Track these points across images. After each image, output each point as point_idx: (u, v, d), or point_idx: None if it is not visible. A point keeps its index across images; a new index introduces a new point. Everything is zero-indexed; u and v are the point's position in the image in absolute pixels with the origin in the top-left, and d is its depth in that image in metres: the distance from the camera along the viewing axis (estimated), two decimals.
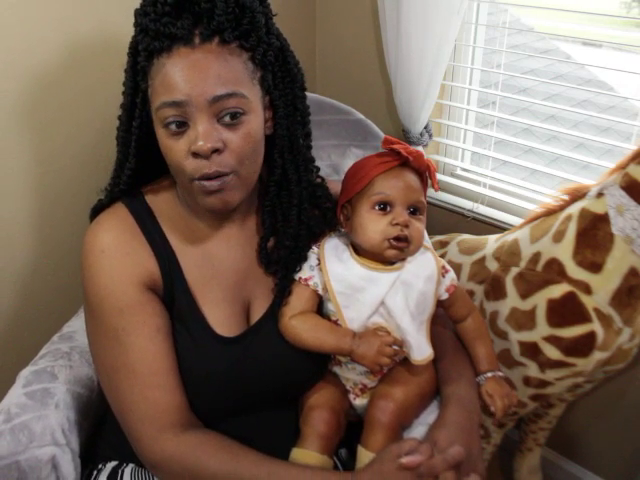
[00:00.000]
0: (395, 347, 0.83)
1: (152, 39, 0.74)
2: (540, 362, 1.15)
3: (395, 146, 0.85)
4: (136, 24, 0.77)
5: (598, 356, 1.12)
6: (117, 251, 0.82)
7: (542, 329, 1.14)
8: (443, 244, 1.43)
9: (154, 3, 0.74)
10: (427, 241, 1.19)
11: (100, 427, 0.98)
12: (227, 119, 0.75)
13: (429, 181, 0.89)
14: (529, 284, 1.16)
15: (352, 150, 1.40)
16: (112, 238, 0.83)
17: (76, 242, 0.90)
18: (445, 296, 0.92)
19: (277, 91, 0.83)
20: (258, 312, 0.89)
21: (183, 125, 0.76)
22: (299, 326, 0.86)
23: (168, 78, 0.74)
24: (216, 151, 0.75)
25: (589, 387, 1.28)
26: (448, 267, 0.93)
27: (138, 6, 0.77)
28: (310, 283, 0.88)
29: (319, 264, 0.89)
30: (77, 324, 1.08)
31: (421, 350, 0.86)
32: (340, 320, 0.87)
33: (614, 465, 1.54)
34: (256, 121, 0.79)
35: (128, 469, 0.89)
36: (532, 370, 1.17)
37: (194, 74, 0.73)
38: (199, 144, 0.74)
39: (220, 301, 0.87)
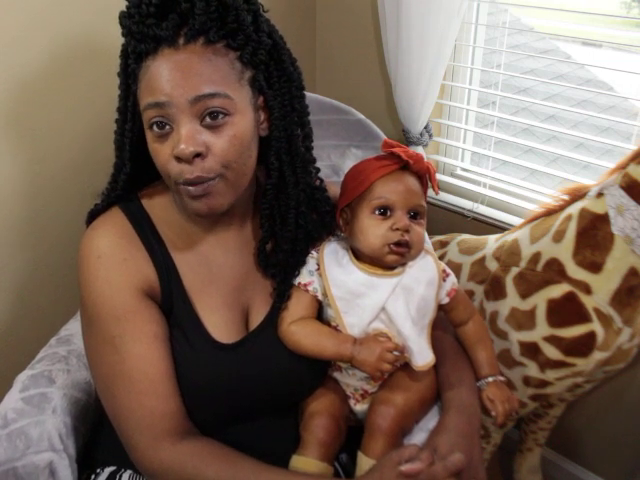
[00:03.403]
0: (396, 353, 0.83)
1: (138, 41, 0.74)
2: (540, 362, 1.15)
3: (395, 149, 0.84)
4: (121, 26, 0.76)
5: (598, 356, 1.11)
6: (114, 257, 0.81)
7: (542, 329, 1.14)
8: (443, 244, 1.43)
9: (138, 5, 0.73)
10: (428, 243, 1.19)
11: (98, 431, 0.97)
12: (210, 120, 0.74)
13: (429, 184, 0.88)
14: (529, 284, 1.16)
15: (352, 150, 1.40)
16: (109, 244, 0.81)
17: (73, 243, 0.89)
18: (446, 300, 0.91)
19: (272, 91, 0.81)
20: (257, 318, 0.88)
21: (166, 127, 0.75)
22: (299, 332, 0.85)
23: (152, 80, 0.74)
24: (199, 155, 0.74)
25: (589, 387, 1.28)
26: (449, 271, 0.92)
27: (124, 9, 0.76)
28: (309, 288, 0.87)
29: (318, 269, 0.88)
30: (75, 327, 1.07)
31: (422, 355, 0.85)
32: (340, 326, 0.86)
33: (614, 465, 1.54)
34: (243, 123, 0.77)
35: (126, 475, 0.88)
36: (532, 370, 1.17)
37: (176, 75, 0.72)
38: (181, 148, 0.73)
39: (218, 307, 0.86)
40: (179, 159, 0.74)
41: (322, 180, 0.92)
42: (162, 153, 0.76)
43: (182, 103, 0.73)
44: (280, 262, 0.87)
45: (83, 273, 0.82)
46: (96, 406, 0.96)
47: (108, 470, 0.90)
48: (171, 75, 0.73)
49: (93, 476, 0.91)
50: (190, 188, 0.76)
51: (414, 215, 0.85)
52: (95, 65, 1.20)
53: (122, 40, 0.79)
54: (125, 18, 0.75)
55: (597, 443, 1.55)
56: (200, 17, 0.72)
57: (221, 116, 0.75)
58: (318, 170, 0.90)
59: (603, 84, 2.26)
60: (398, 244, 0.83)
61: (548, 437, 1.49)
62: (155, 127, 0.75)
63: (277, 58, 0.82)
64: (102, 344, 0.81)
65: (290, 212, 0.86)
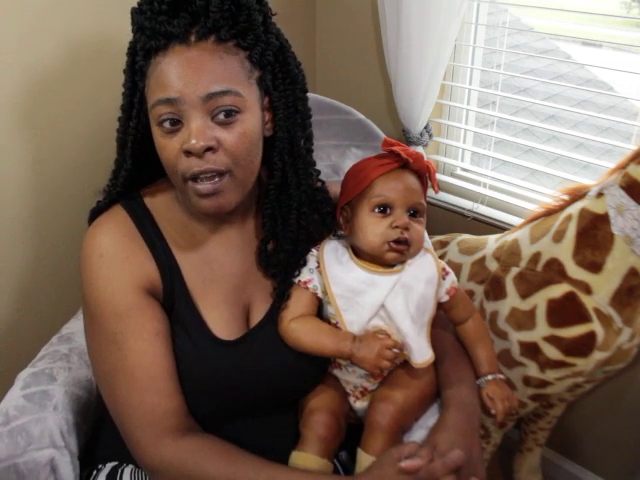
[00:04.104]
0: (395, 350, 0.83)
1: (149, 38, 0.74)
2: (540, 362, 1.15)
3: (395, 148, 0.85)
4: (133, 23, 0.77)
5: (598, 356, 1.11)
6: (116, 255, 0.81)
7: (542, 329, 1.14)
8: (443, 244, 1.43)
9: (151, 2, 0.74)
10: (427, 242, 1.19)
11: (99, 429, 0.97)
12: (221, 117, 0.75)
13: (429, 183, 0.89)
14: (529, 284, 1.16)
15: (352, 150, 1.40)
16: (111, 242, 0.82)
17: (74, 242, 0.91)
18: (445, 298, 0.92)
19: (277, 92, 0.82)
20: (258, 315, 0.89)
21: (177, 123, 0.75)
22: (299, 329, 0.85)
23: (163, 76, 0.74)
24: (209, 150, 0.75)
25: (589, 387, 1.28)
26: (448, 269, 0.93)
27: (135, 5, 0.77)
28: (309, 286, 0.88)
29: (318, 267, 0.88)
30: (76, 325, 1.07)
31: (422, 353, 0.86)
32: (340, 323, 0.86)
33: (614, 465, 1.54)
34: (252, 121, 0.78)
35: (128, 469, 0.89)
36: (532, 370, 1.17)
37: (188, 71, 0.73)
38: (192, 142, 0.73)
39: (220, 304, 0.86)
40: (189, 153, 0.75)
41: (324, 182, 0.93)
42: (170, 148, 0.76)
43: (194, 100, 0.73)
44: (281, 262, 0.88)
45: (85, 271, 0.82)
46: (97, 404, 0.97)
47: (110, 465, 0.91)
48: (183, 72, 0.73)
49: (95, 472, 0.91)
50: (198, 186, 0.76)
51: (414, 213, 0.86)
52: (98, 65, 1.21)
53: (126, 40, 0.80)
54: (137, 14, 0.76)
55: (597, 443, 1.55)
56: (214, 15, 0.73)
57: (232, 113, 0.75)
58: (319, 172, 0.91)
59: (603, 84, 2.26)
60: (397, 242, 0.83)
61: (548, 437, 1.49)
62: (167, 124, 0.75)
63: (283, 60, 0.83)
64: (104, 341, 0.81)
65: (292, 213, 0.87)
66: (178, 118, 0.75)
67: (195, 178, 0.76)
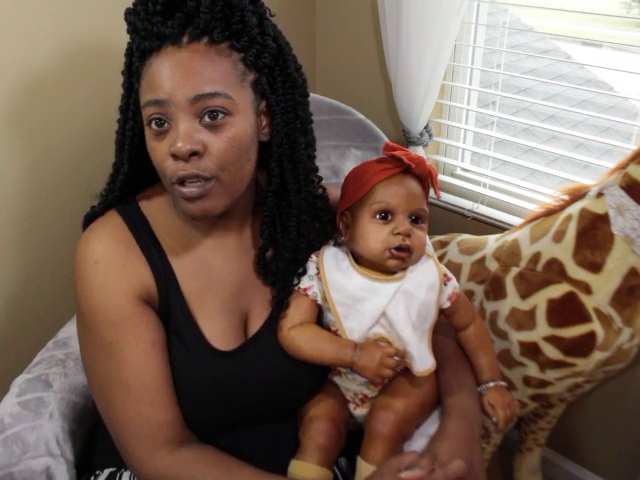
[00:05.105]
0: (397, 358, 0.82)
1: (142, 39, 0.74)
2: (540, 362, 1.15)
3: (397, 152, 0.83)
4: (127, 23, 0.76)
5: (598, 356, 1.11)
6: (111, 263, 0.80)
7: (542, 329, 1.14)
8: (443, 244, 1.43)
9: (145, 2, 0.73)
10: (429, 246, 1.19)
11: (96, 435, 0.96)
12: (209, 119, 0.73)
13: (431, 187, 0.88)
14: (529, 284, 1.16)
15: (352, 151, 1.39)
16: (106, 249, 0.80)
17: (70, 246, 0.89)
18: (447, 305, 0.90)
19: (275, 96, 0.80)
20: (256, 324, 0.87)
21: (165, 124, 0.74)
22: (298, 337, 0.84)
23: (154, 77, 0.73)
24: (195, 154, 0.73)
25: (589, 387, 1.28)
26: (450, 275, 0.91)
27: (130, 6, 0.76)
28: (309, 293, 0.86)
29: (318, 273, 0.87)
30: (72, 330, 1.06)
31: (423, 361, 0.84)
32: (340, 331, 0.85)
33: (614, 465, 1.54)
34: (243, 125, 0.76)
35: (126, 474, 0.88)
36: (532, 370, 1.17)
37: (177, 73, 0.72)
38: (178, 145, 0.72)
39: (217, 313, 0.85)
40: (176, 157, 0.73)
41: (325, 188, 0.91)
42: (159, 151, 0.75)
43: (182, 102, 0.72)
44: (280, 270, 0.86)
45: (80, 278, 0.80)
46: (94, 410, 0.95)
47: (107, 471, 0.89)
48: (172, 73, 0.72)
49: (92, 478, 0.90)
50: (184, 190, 0.75)
51: (415, 219, 0.84)
52: (95, 68, 1.20)
53: (124, 42, 0.79)
54: (131, 15, 0.75)
55: (597, 443, 1.55)
56: (205, 16, 0.72)
57: (221, 115, 0.74)
58: (321, 179, 0.90)
59: (603, 84, 2.26)
60: (399, 249, 0.82)
61: (548, 437, 1.49)
62: (154, 124, 0.74)
63: (282, 63, 0.81)
64: (99, 350, 0.80)
65: (292, 220, 0.85)
66: (165, 119, 0.74)
67: (182, 181, 0.75)
